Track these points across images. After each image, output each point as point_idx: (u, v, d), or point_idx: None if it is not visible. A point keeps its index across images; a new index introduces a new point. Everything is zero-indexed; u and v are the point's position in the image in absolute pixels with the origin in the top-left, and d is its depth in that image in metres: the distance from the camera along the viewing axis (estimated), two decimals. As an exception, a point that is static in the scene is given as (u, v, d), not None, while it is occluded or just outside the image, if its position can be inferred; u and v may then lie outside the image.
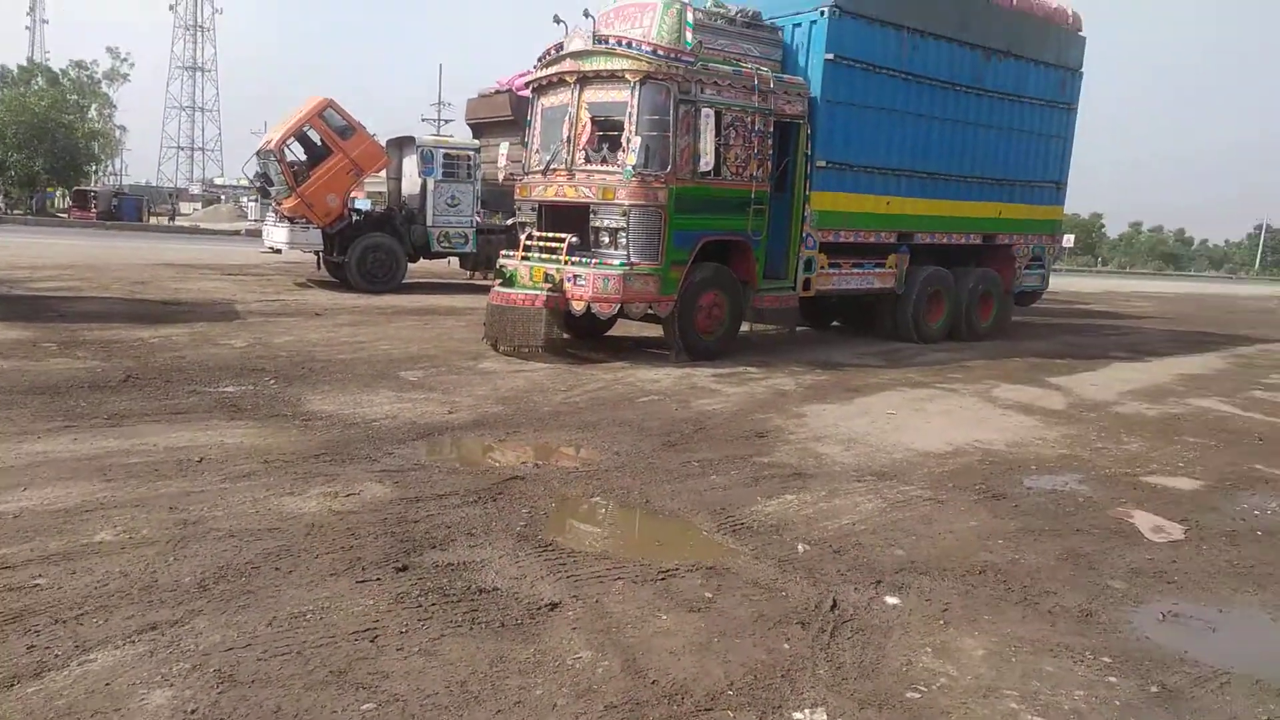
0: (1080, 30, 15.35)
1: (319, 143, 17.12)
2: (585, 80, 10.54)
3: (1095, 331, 18.80)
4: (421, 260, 18.62)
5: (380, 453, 6.20)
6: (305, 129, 17.01)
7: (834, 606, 4.17)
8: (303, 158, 17.25)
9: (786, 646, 3.76)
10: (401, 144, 18.67)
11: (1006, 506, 5.91)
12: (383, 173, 18.80)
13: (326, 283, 17.90)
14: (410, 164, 18.22)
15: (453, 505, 5.24)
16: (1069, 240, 58.92)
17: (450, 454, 6.41)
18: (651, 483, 5.93)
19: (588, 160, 10.54)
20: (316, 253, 17.75)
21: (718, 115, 10.39)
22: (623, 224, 10.16)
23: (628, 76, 10.13)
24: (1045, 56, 14.67)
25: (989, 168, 14.27)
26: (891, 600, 4.30)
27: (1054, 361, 12.97)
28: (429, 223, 17.54)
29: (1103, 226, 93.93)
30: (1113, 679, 3.66)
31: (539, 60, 11.33)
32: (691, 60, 10.23)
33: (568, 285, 10.29)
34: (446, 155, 17.70)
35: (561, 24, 10.73)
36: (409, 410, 7.46)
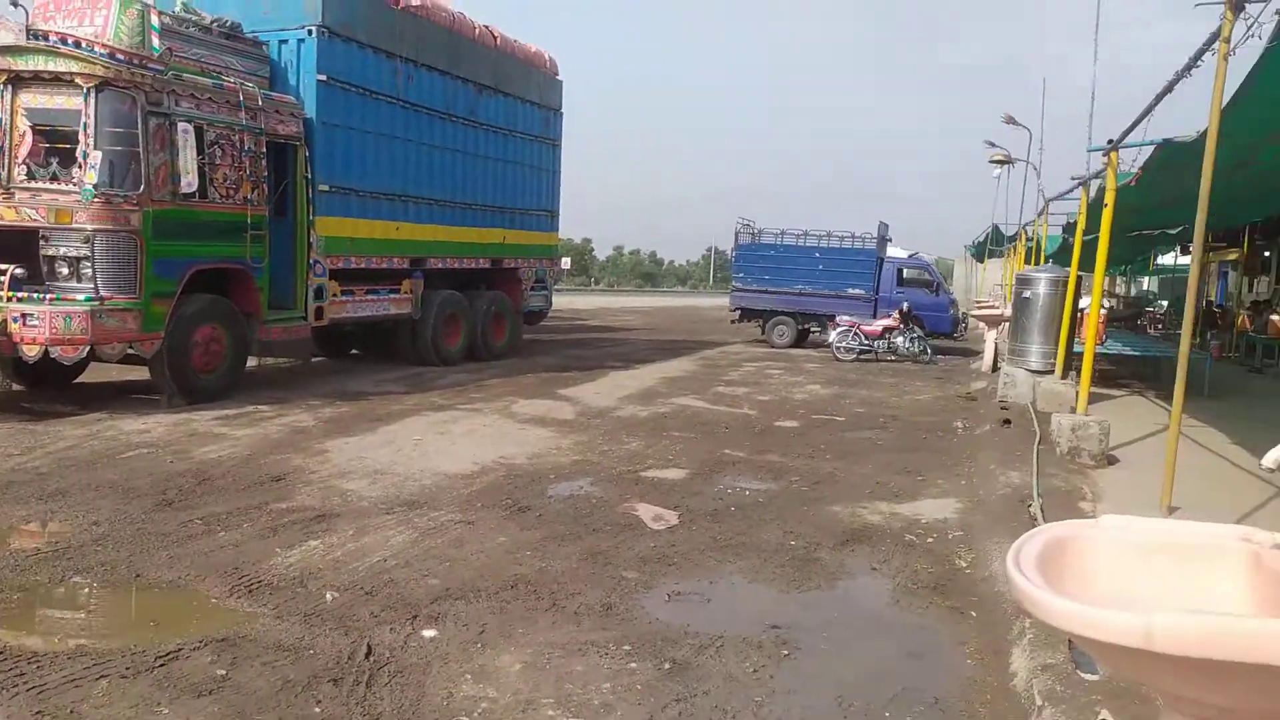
0: (558, 74, 17.02)
1: None
2: (20, 82, 8.78)
3: (594, 345, 20.83)
4: None
5: None
6: None
7: (369, 653, 3.92)
8: None
9: (318, 710, 3.43)
10: None
11: (532, 518, 6.16)
12: None
13: None
14: None
15: None
16: (566, 263, 64.84)
17: None
18: (143, 552, 5.06)
19: (31, 177, 8.78)
20: None
21: (199, 131, 9.39)
22: (85, 252, 8.64)
23: (79, 81, 8.66)
24: (530, 95, 15.98)
25: (491, 195, 15.09)
26: (429, 633, 4.18)
27: (562, 375, 14.04)
28: None
29: (593, 250, 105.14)
30: (633, 664, 3.96)
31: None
32: (161, 69, 9.10)
33: (14, 326, 8.44)
34: None
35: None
36: None
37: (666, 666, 3.96)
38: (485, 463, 7.68)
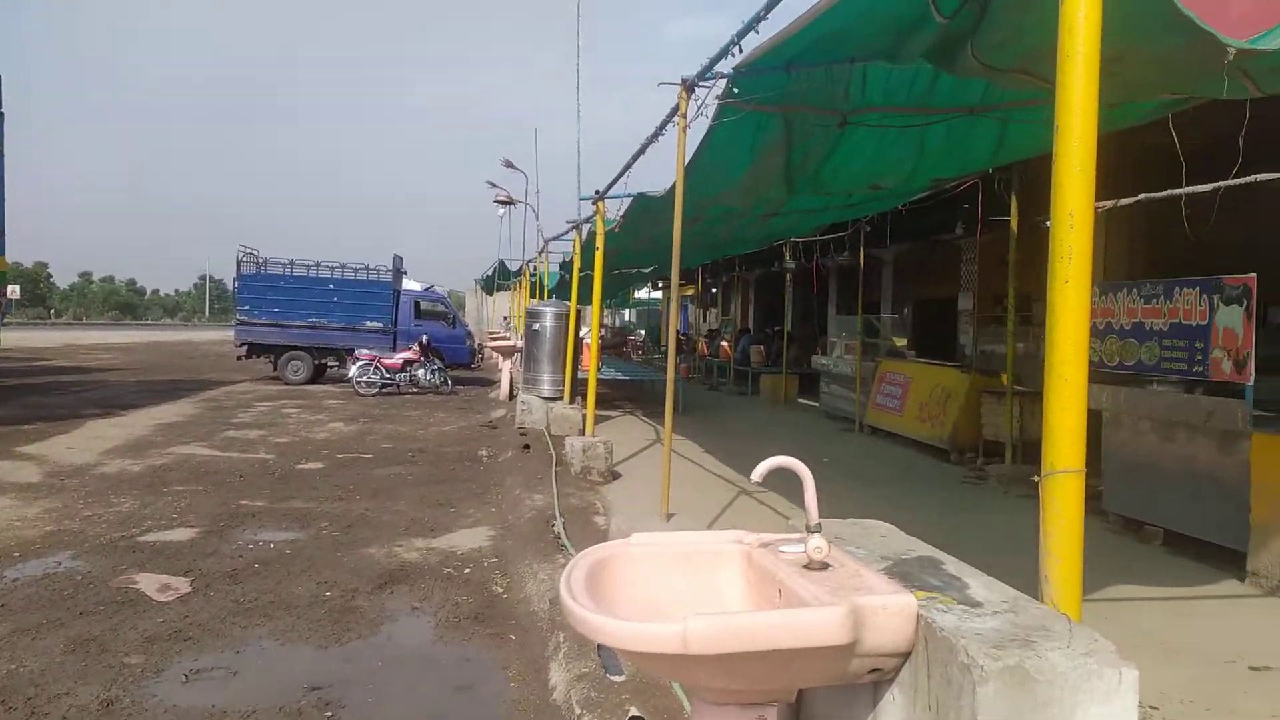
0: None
1: None
2: None
3: (63, 390, 17.62)
4: None
5: None
6: None
7: None
8: None
9: None
10: None
11: (-10, 611, 4.99)
12: None
13: None
14: None
15: None
16: (15, 291, 53.95)
17: None
18: None
19: None
20: None
21: None
22: None
23: None
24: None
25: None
26: None
27: (22, 429, 11.62)
28: None
29: (50, 276, 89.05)
30: (150, 767, 3.41)
31: None
32: None
33: None
34: None
35: None
36: None
37: (192, 760, 3.48)
38: (-88, 550, 6.03)
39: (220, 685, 4.22)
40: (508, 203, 28.14)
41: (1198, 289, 6.40)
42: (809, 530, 2.28)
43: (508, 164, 27.29)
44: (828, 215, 10.83)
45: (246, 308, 20.63)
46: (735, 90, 5.35)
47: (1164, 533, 6.79)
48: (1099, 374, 7.58)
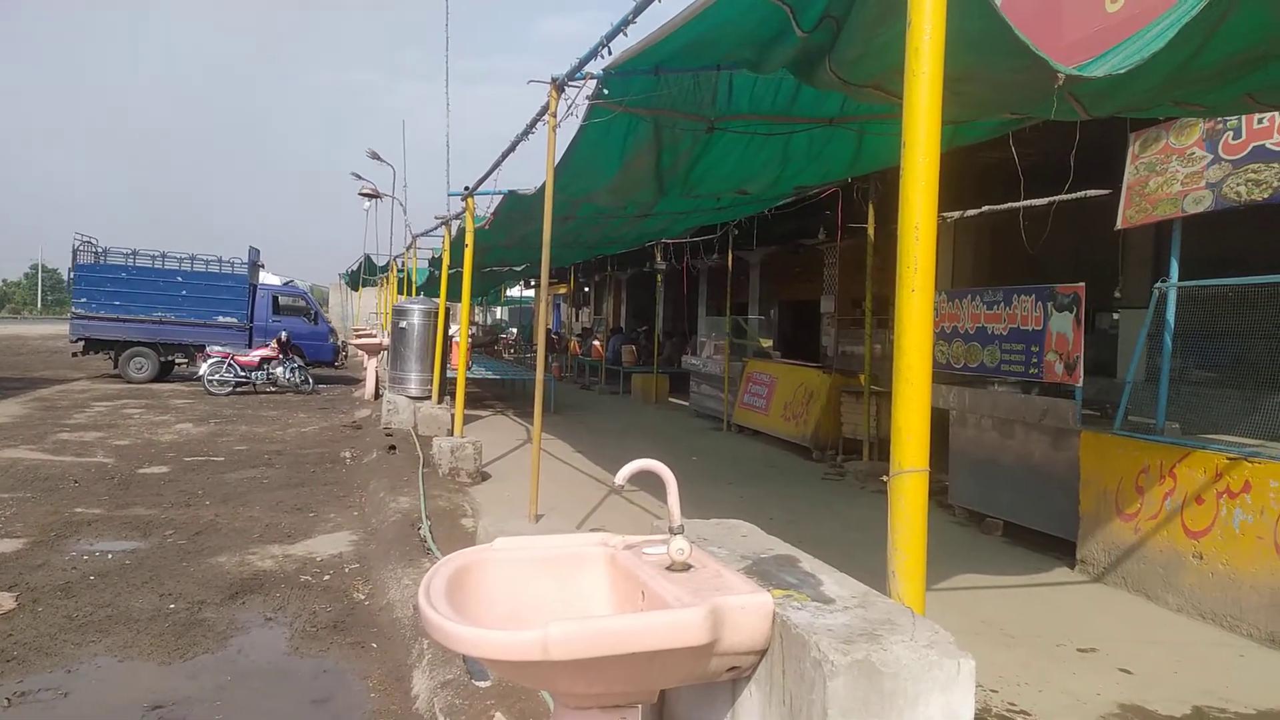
0: None
1: None
2: None
3: None
4: None
5: None
6: None
7: None
8: None
9: None
10: None
11: None
12: None
13: None
14: None
15: None
16: None
17: None
18: None
19: None
20: None
21: None
22: None
23: None
24: None
25: None
26: None
27: None
28: None
29: None
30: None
31: None
32: None
33: None
34: None
35: None
36: None
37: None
38: None
39: (48, 709, 3.91)
40: (373, 196, 27.30)
41: (1034, 296, 6.87)
42: (672, 532, 2.30)
43: (374, 156, 26.48)
44: (697, 218, 11.02)
45: (84, 300, 19.15)
46: (605, 91, 5.37)
47: (1004, 524, 7.25)
48: (948, 375, 8.04)
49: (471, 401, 15.18)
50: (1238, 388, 6.08)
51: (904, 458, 2.23)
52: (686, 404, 15.95)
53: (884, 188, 9.78)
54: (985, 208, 10.70)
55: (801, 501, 8.34)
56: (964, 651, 1.79)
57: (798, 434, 11.50)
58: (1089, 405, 6.67)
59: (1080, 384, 6.43)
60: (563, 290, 29.09)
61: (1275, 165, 5.25)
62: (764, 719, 2.00)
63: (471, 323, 39.63)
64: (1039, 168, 7.03)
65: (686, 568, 2.28)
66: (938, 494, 8.40)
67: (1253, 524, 5.02)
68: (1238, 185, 5.46)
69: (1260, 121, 5.33)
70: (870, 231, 9.88)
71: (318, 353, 20.69)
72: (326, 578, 5.87)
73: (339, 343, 22.93)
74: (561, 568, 2.58)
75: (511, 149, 7.34)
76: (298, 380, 18.13)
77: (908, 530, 2.21)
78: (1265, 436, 5.49)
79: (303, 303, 21.78)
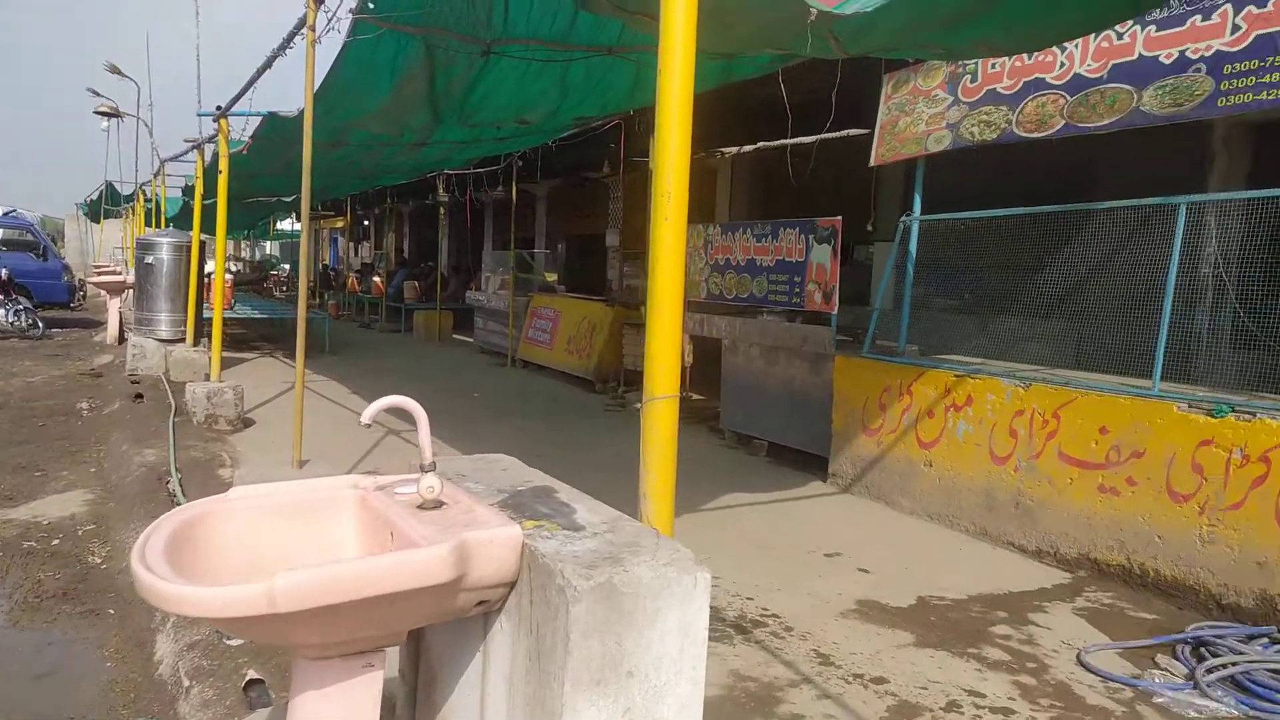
0: None
1: None
2: None
3: None
4: None
5: None
6: None
7: None
8: None
9: None
10: None
11: None
12: None
13: None
14: None
15: None
16: None
17: None
18: None
19: None
20: None
21: None
22: None
23: None
24: None
25: None
26: None
27: None
28: None
29: None
30: None
31: None
32: None
33: None
34: None
35: None
36: None
37: None
38: None
39: None
40: (113, 115, 24.27)
41: (797, 229, 7.23)
42: (423, 470, 2.21)
43: (114, 70, 23.47)
44: (479, 148, 10.66)
45: None
46: (371, 5, 4.99)
47: (769, 445, 7.72)
48: (722, 306, 8.36)
49: (236, 344, 14.12)
50: (972, 313, 6.75)
51: (656, 385, 2.24)
52: (471, 341, 15.67)
53: (661, 121, 9.86)
54: (761, 144, 11.11)
55: (582, 431, 8.44)
56: (701, 566, 1.84)
57: (581, 367, 11.60)
58: (846, 332, 7.16)
59: (836, 311, 6.88)
60: (340, 224, 27.47)
61: (1004, 108, 5.76)
62: (514, 649, 1.97)
63: (237, 258, 36.69)
64: (807, 106, 7.34)
65: (439, 505, 2.20)
66: (710, 419, 8.80)
67: (973, 433, 5.63)
68: (972, 126, 5.95)
69: (994, 66, 5.81)
70: (651, 164, 9.97)
71: (49, 293, 18.40)
72: (55, 542, 5.26)
73: (75, 281, 20.48)
74: (309, 514, 2.42)
75: (267, 66, 6.71)
76: (24, 324, 16.03)
77: (658, 454, 2.24)
78: (989, 355, 6.15)
79: (29, 236, 19.19)
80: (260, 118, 7.93)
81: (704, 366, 9.11)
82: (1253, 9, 4.25)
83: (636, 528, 2.08)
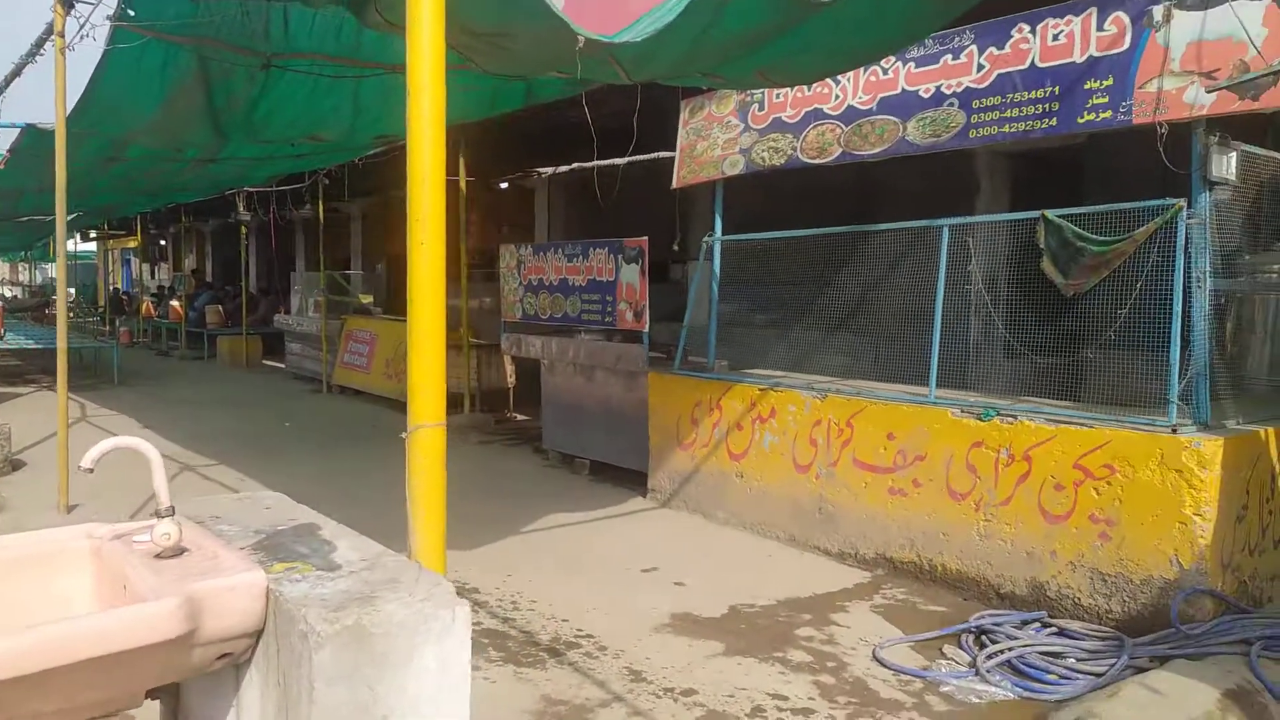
0: None
1: None
2: None
3: None
4: None
5: None
6: None
7: None
8: None
9: None
10: None
11: None
12: None
13: None
14: None
15: None
16: None
17: None
18: None
19: None
20: None
21: None
22: None
23: None
24: None
25: None
26: None
27: None
28: None
29: None
30: None
31: None
32: None
33: None
34: None
35: None
36: None
37: None
38: None
39: None
40: None
41: (606, 249, 7.32)
42: (159, 515, 2.05)
43: None
44: (277, 165, 10.15)
45: None
46: (131, 12, 4.65)
47: (591, 464, 7.74)
48: (538, 327, 8.33)
49: (9, 377, 12.78)
50: (776, 328, 7.03)
51: (419, 413, 2.19)
52: (283, 366, 14.86)
53: (471, 140, 9.77)
54: (575, 165, 11.20)
55: (393, 458, 8.17)
56: (460, 600, 1.80)
57: (400, 391, 11.22)
58: (663, 349, 7.30)
59: (647, 329, 7.01)
60: (132, 243, 25.40)
61: (789, 135, 6.06)
62: (263, 703, 1.85)
63: (13, 282, 33.19)
64: (616, 130, 7.46)
65: (180, 552, 2.04)
66: (535, 440, 8.74)
67: (778, 444, 5.87)
68: (763, 152, 6.23)
69: (778, 96, 6.11)
70: (462, 184, 9.84)
71: None
72: None
73: None
74: (39, 568, 2.19)
75: (16, 74, 6.12)
76: None
77: (425, 485, 2.18)
78: (791, 368, 6.43)
79: None
80: (19, 130, 7.22)
81: (527, 385, 9.04)
82: (994, 50, 4.69)
83: (398, 563, 2.01)
